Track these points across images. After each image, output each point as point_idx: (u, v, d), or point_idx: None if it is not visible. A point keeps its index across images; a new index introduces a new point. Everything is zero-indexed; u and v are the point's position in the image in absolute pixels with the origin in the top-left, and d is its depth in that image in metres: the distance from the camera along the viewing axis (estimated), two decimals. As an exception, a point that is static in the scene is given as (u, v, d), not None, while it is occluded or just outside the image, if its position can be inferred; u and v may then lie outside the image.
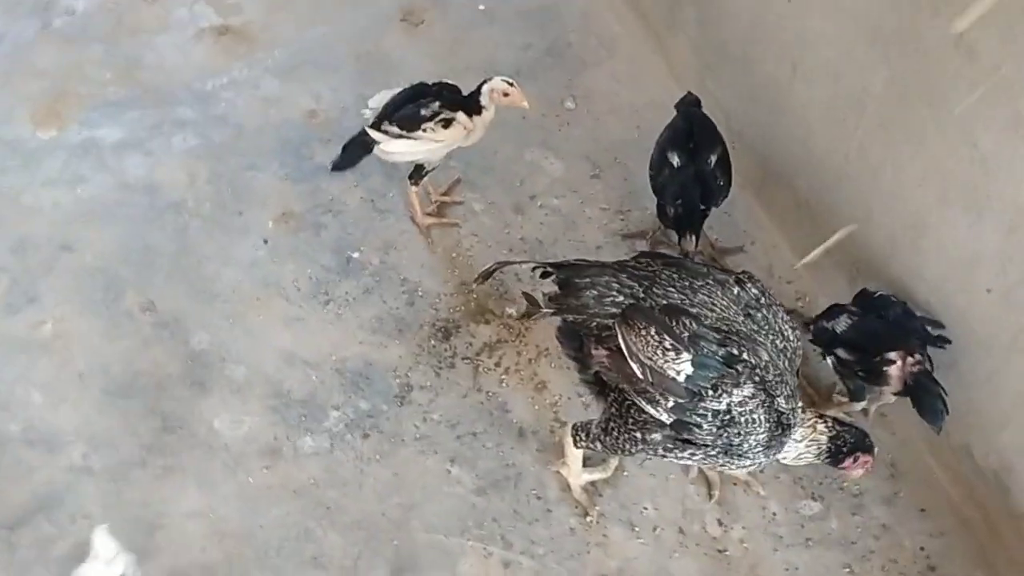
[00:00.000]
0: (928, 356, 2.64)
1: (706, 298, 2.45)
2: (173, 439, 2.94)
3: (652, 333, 2.33)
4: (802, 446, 2.46)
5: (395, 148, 3.28)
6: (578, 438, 2.68)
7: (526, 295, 2.77)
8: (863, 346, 2.70)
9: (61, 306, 3.26)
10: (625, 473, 2.93)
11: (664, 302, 2.44)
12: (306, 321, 3.26)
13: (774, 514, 2.87)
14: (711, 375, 2.31)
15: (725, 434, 2.35)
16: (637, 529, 2.82)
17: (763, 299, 2.49)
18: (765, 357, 2.36)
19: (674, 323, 2.35)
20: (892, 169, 2.82)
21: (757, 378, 2.34)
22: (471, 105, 3.25)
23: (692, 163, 3.13)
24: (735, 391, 2.32)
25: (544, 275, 2.68)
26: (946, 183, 2.62)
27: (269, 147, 3.79)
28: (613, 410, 2.53)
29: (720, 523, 2.85)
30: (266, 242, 3.47)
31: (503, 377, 3.14)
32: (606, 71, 4.14)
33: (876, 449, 2.52)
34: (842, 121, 2.99)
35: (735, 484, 2.92)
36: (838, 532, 2.84)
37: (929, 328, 2.70)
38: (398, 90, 3.34)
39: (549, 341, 3.13)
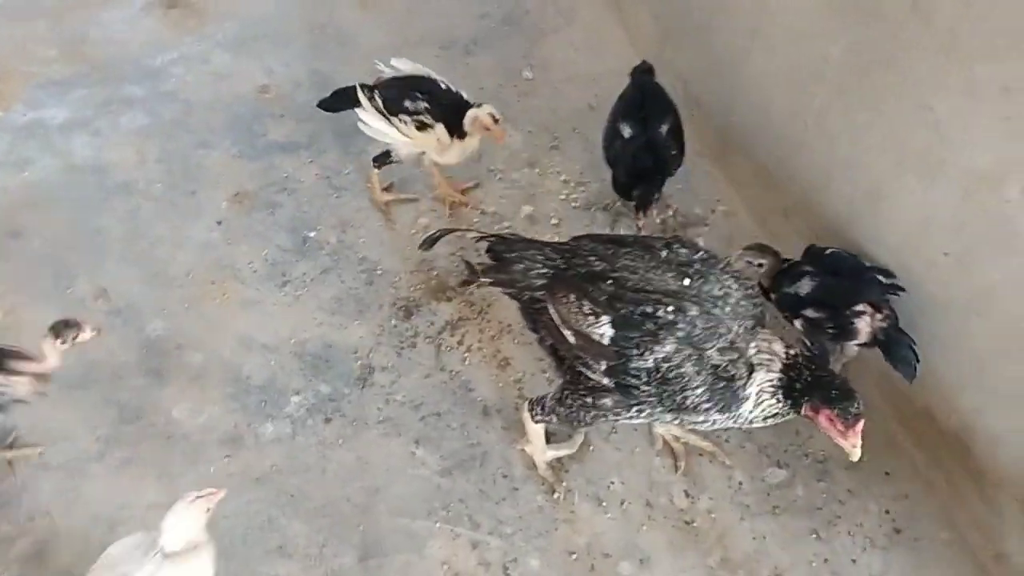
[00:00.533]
0: (893, 309, 2.66)
1: (629, 262, 2.45)
2: (131, 430, 2.88)
3: (573, 300, 2.41)
4: (761, 407, 2.38)
5: (369, 120, 3.22)
6: (534, 412, 2.70)
7: (467, 263, 2.79)
8: (831, 303, 2.71)
9: (11, 295, 3.19)
10: (591, 448, 2.92)
11: (584, 271, 2.47)
12: (263, 304, 3.20)
13: (740, 483, 2.87)
14: (633, 335, 2.33)
15: (665, 392, 2.36)
16: (604, 504, 2.81)
17: (696, 255, 2.46)
18: (693, 312, 2.34)
19: (592, 288, 2.40)
20: (850, 136, 2.80)
21: (681, 333, 2.33)
22: (457, 125, 3.17)
23: (644, 133, 3.10)
24: (657, 348, 2.33)
25: (489, 249, 2.66)
26: (902, 149, 2.61)
27: (220, 124, 3.72)
28: (567, 378, 2.56)
29: (687, 495, 2.84)
30: (220, 223, 3.40)
31: (466, 355, 3.11)
32: (564, 39, 4.09)
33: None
34: (801, 89, 2.96)
35: (701, 455, 2.91)
36: (804, 499, 2.84)
37: (882, 277, 2.72)
38: (419, 69, 3.28)
39: (511, 317, 3.11)
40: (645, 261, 2.43)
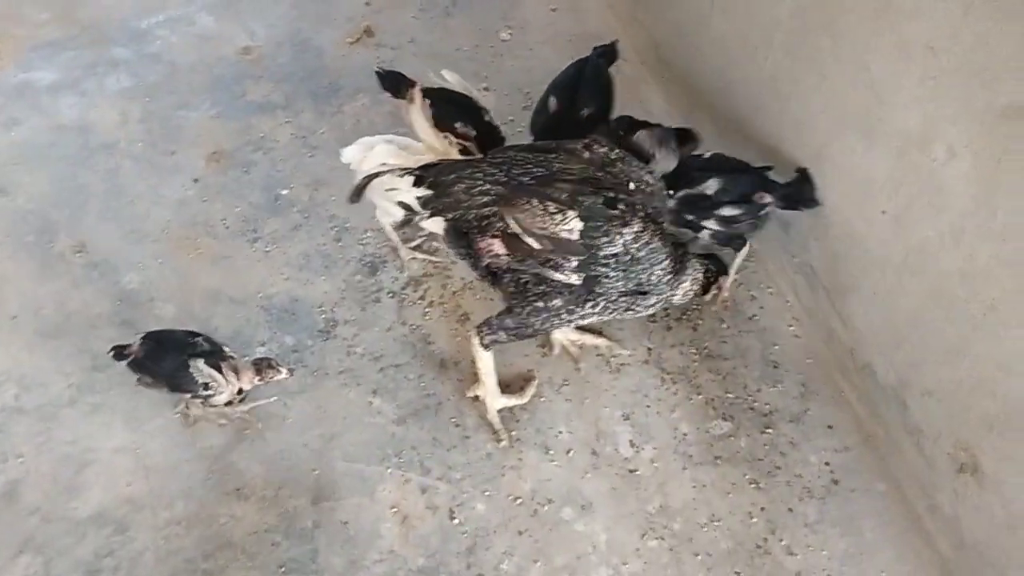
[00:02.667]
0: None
1: (563, 165, 2.56)
2: (102, 377, 3.01)
3: (535, 204, 2.49)
4: (688, 283, 2.71)
5: (416, 120, 2.84)
6: (482, 334, 2.77)
7: (403, 204, 2.68)
8: (742, 198, 2.89)
9: (-4, 249, 3.33)
10: (542, 399, 3.01)
11: (528, 178, 2.55)
12: (234, 259, 3.31)
13: (685, 434, 2.95)
14: (600, 224, 2.47)
15: (632, 273, 2.54)
16: (551, 452, 2.91)
17: (613, 154, 2.60)
18: (638, 197, 2.53)
19: (550, 189, 2.49)
20: (797, 99, 2.84)
21: (641, 212, 2.51)
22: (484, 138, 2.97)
23: (567, 112, 3.09)
24: (625, 230, 2.48)
25: (417, 182, 2.65)
26: (844, 110, 2.65)
27: (202, 85, 3.82)
28: (511, 290, 2.67)
29: (632, 444, 2.93)
30: (196, 181, 3.51)
31: (427, 310, 3.21)
32: (543, 0, 4.13)
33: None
34: (754, 52, 3.00)
35: (648, 407, 3.00)
36: (746, 450, 2.92)
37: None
38: (465, 86, 3.11)
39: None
40: (574, 163, 2.57)
